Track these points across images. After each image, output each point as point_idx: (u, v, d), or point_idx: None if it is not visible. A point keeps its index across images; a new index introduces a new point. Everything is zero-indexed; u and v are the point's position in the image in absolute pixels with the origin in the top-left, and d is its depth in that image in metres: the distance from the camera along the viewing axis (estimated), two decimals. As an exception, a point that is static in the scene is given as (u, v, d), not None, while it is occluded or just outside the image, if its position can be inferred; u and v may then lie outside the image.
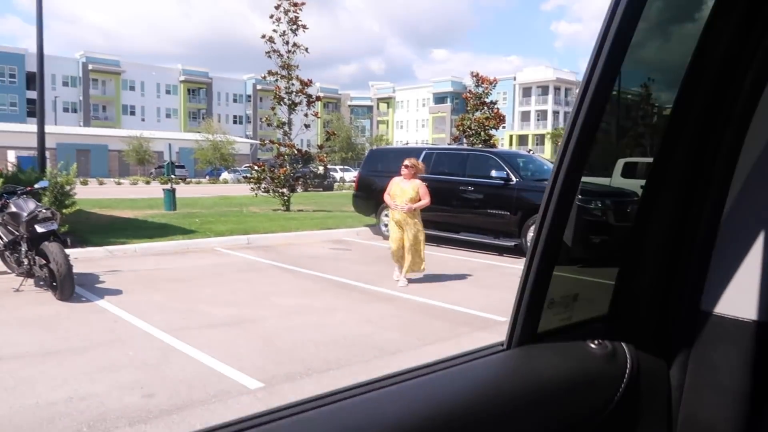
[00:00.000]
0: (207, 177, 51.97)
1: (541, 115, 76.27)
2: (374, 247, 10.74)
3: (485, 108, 22.70)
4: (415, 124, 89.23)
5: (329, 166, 35.15)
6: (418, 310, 6.07)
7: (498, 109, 22.95)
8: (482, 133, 21.94)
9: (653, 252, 1.00)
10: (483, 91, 22.68)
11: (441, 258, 9.62)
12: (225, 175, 50.20)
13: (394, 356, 4.59)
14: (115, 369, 4.14)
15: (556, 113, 75.59)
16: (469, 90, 23.86)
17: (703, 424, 0.94)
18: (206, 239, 10.48)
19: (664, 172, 0.97)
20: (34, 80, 58.34)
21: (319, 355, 4.55)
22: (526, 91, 77.47)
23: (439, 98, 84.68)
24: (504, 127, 25.33)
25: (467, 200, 10.29)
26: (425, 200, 7.11)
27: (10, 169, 10.71)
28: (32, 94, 61.42)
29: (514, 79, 77.63)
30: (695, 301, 0.95)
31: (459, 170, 10.64)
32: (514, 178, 9.71)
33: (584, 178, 0.90)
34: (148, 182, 41.69)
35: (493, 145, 22.84)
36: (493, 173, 9.82)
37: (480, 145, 20.79)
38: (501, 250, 10.21)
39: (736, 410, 0.90)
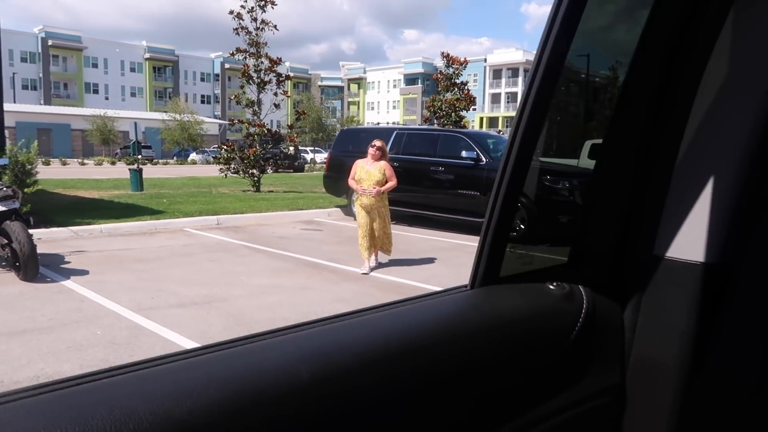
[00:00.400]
0: (175, 158, 51.00)
1: (512, 97, 76.74)
2: (346, 228, 10.74)
3: (456, 89, 22.77)
4: (386, 105, 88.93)
5: (300, 147, 34.83)
6: (390, 289, 6.12)
7: (468, 90, 23.04)
8: (453, 115, 22.03)
9: (609, 202, 1.07)
10: (454, 72, 22.73)
11: (411, 238, 9.69)
12: (193, 155, 49.36)
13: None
14: (83, 348, 4.09)
15: (525, 96, 76.11)
16: (440, 71, 23.87)
17: (653, 363, 1.00)
18: (175, 220, 10.33)
19: (619, 134, 1.05)
20: (-10, 56, 56.16)
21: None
22: (497, 73, 77.78)
23: (410, 79, 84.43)
24: (474, 109, 25.51)
25: (438, 180, 10.36)
26: (393, 181, 6.76)
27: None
28: (-11, 71, 59.15)
29: (485, 60, 77.82)
30: (649, 246, 1.01)
31: (430, 151, 10.68)
32: (484, 159, 9.79)
33: (550, 159, 0.96)
34: (113, 163, 40.73)
35: (464, 127, 22.96)
36: (464, 153, 9.88)
37: (451, 126, 20.87)
38: (470, 230, 10.32)
39: (684, 349, 0.95)
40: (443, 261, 7.79)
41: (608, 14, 1.08)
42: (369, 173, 6.70)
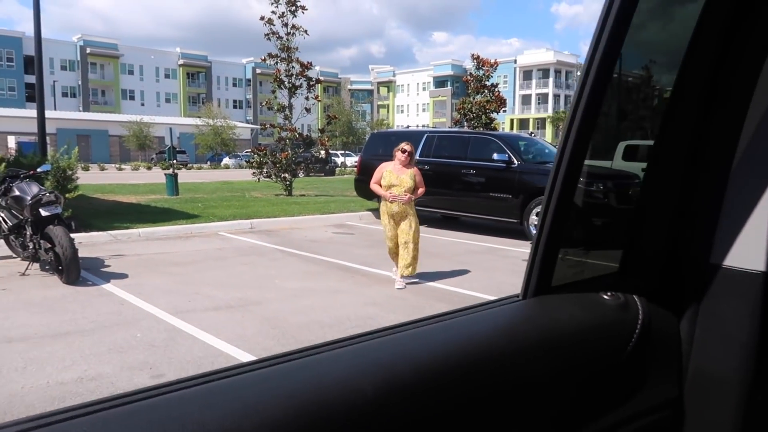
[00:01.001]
0: (208, 162, 51.88)
1: (542, 98, 75.90)
2: (377, 231, 10.76)
3: (486, 91, 22.63)
4: (416, 108, 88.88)
5: (330, 151, 35.07)
6: (423, 293, 6.11)
7: (499, 92, 22.87)
8: (483, 117, 21.89)
9: (661, 207, 1.04)
10: (484, 74, 22.59)
11: (442, 241, 9.66)
12: (226, 160, 50.11)
13: (398, 337, 4.63)
14: (124, 350, 4.19)
15: (557, 96, 75.23)
16: (470, 73, 23.76)
17: (712, 375, 0.97)
18: (209, 224, 10.51)
19: (670, 136, 1.02)
20: (32, 64, 58.06)
21: (325, 336, 4.59)
22: (527, 74, 77.02)
23: (440, 82, 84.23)
24: (505, 111, 25.31)
25: (469, 183, 10.31)
26: (423, 188, 6.41)
27: (11, 153, 10.69)
28: (31, 79, 61.08)
29: (515, 62, 77.15)
30: (705, 254, 0.98)
31: (461, 153, 10.63)
32: (515, 161, 9.71)
33: (589, 162, 0.94)
34: (149, 167, 41.64)
35: (494, 129, 22.80)
36: (495, 156, 9.81)
37: (481, 129, 20.74)
38: (502, 233, 10.25)
39: (744, 361, 0.93)
40: (475, 264, 7.74)
41: (658, 13, 1.05)
42: (401, 180, 6.23)
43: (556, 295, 0.97)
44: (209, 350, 4.23)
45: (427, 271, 7.13)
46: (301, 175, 18.23)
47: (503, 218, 9.89)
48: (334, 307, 5.51)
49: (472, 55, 22.97)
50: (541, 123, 73.71)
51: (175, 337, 4.51)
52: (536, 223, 8.90)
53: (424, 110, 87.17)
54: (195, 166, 47.67)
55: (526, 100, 77.40)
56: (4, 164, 8.31)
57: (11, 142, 41.85)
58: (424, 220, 11.80)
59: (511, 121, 74.75)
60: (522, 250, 8.83)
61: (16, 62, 64.13)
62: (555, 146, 13.22)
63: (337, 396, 0.66)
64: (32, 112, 34.58)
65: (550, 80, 74.62)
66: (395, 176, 6.26)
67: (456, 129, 18.82)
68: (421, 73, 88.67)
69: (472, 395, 0.76)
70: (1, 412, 3.18)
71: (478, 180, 10.17)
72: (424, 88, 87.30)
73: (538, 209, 9.23)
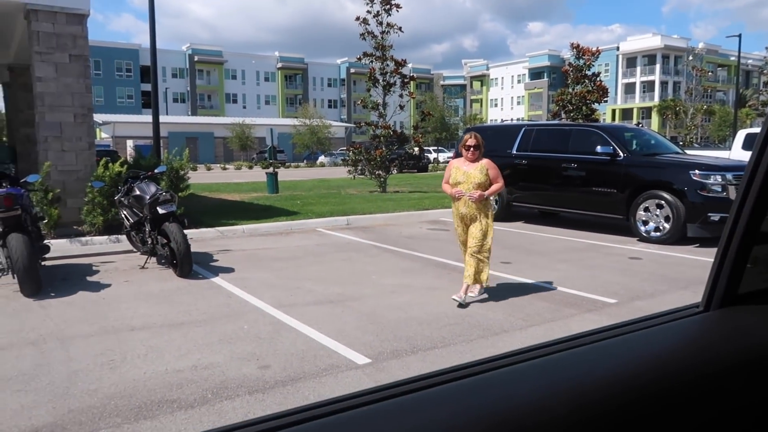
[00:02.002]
0: (305, 161, 53.63)
1: (648, 86, 71.64)
2: (472, 227, 10.63)
3: (586, 81, 21.68)
4: (510, 102, 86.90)
5: (424, 147, 35.10)
6: (521, 291, 5.95)
7: (601, 81, 21.84)
8: (584, 108, 20.99)
9: None
10: (584, 64, 21.66)
11: (541, 237, 9.37)
12: (322, 158, 51.54)
13: (498, 336, 4.53)
14: (233, 341, 4.40)
15: (664, 84, 70.70)
16: (569, 63, 22.86)
17: None
18: (308, 220, 10.83)
19: None
20: (147, 73, 62.60)
21: (423, 333, 4.59)
22: (631, 62, 72.97)
23: (535, 74, 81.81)
24: (606, 101, 24.11)
25: (570, 178, 9.91)
26: (499, 183, 5.57)
27: (130, 156, 11.57)
28: (146, 87, 65.97)
29: (617, 49, 73.31)
30: None
31: (561, 147, 10.24)
32: (621, 154, 9.20)
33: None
34: (250, 167, 43.70)
35: (596, 120, 21.81)
36: (598, 149, 9.35)
37: (581, 120, 19.90)
38: (605, 230, 9.77)
39: None
40: (577, 262, 7.43)
41: None
42: (467, 175, 5.47)
43: (747, 305, 0.85)
44: (311, 344, 4.35)
45: (525, 268, 6.94)
46: (394, 171, 18.37)
47: (607, 214, 9.42)
48: (432, 304, 5.48)
49: (572, 44, 22.09)
50: (646, 113, 69.62)
51: (279, 330, 4.67)
52: (644, 219, 8.36)
53: (519, 103, 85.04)
54: (292, 164, 49.41)
55: (629, 89, 73.39)
56: (126, 166, 9.00)
57: (129, 145, 45.40)
58: (522, 216, 11.55)
59: (613, 111, 71.18)
60: (628, 247, 8.38)
61: (133, 72, 69.46)
62: (664, 137, 12.40)
63: (528, 415, 0.61)
64: (147, 118, 37.27)
65: (657, 67, 70.24)
66: (462, 172, 5.53)
67: (555, 122, 18.18)
68: (516, 65, 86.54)
69: (669, 421, 0.69)
70: (128, 396, 3.44)
71: (580, 174, 9.75)
72: (519, 81, 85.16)
73: (646, 204, 8.72)
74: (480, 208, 5.46)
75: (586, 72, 21.65)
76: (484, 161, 5.58)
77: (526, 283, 6.28)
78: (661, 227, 8.60)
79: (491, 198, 5.72)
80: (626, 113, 71.70)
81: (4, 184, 6.42)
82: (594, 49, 21.79)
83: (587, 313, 5.13)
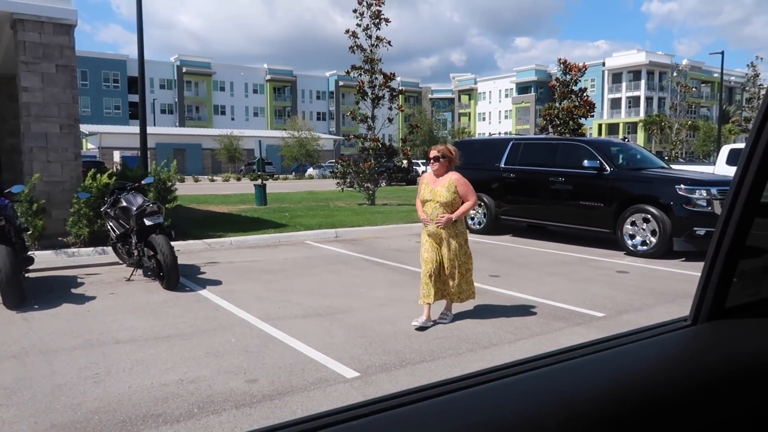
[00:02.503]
0: (293, 173, 53.55)
1: (633, 101, 72.61)
2: (461, 240, 10.65)
3: (573, 96, 21.93)
4: (498, 116, 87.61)
5: (412, 160, 35.17)
6: (510, 304, 5.95)
7: (587, 96, 22.10)
8: (570, 123, 21.21)
9: None
10: (571, 79, 21.92)
11: (530, 251, 9.40)
12: (310, 171, 51.50)
13: (487, 350, 4.52)
14: (219, 354, 4.35)
15: (649, 99, 71.71)
16: (556, 78, 23.14)
17: None
18: (296, 233, 10.79)
19: None
20: (135, 84, 62.44)
21: (412, 346, 4.57)
22: (616, 77, 73.96)
23: (523, 88, 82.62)
24: (593, 116, 24.40)
25: (557, 192, 9.97)
26: (470, 201, 4.98)
27: (117, 167, 11.51)
28: (134, 98, 65.71)
29: (603, 64, 74.31)
30: None
31: (548, 161, 10.32)
32: (608, 168, 9.29)
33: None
34: (238, 179, 43.52)
35: (582, 135, 22.05)
36: (585, 163, 9.44)
37: (568, 135, 20.11)
38: (593, 243, 9.83)
39: None
40: (565, 275, 7.46)
41: None
42: (434, 192, 4.97)
43: (735, 319, 0.86)
44: (299, 357, 4.31)
45: (514, 281, 6.95)
46: (383, 184, 18.39)
47: (595, 228, 9.49)
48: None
49: (559, 59, 22.37)
50: (632, 127, 70.48)
51: (267, 343, 4.63)
52: (631, 233, 8.40)
53: (506, 117, 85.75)
54: (281, 176, 49.29)
55: (615, 104, 74.32)
56: (114, 178, 8.92)
57: (116, 156, 45.11)
58: (510, 229, 11.59)
59: (600, 126, 71.99)
60: (615, 260, 8.43)
61: (121, 83, 69.19)
62: (650, 151, 12.55)
63: (517, 428, 0.61)
64: (135, 129, 37.01)
65: (642, 82, 71.26)
66: (429, 189, 5.03)
67: (543, 136, 18.33)
68: (503, 79, 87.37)
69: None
70: (112, 410, 3.38)
71: (567, 188, 9.82)
72: (506, 95, 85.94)
73: (633, 218, 8.79)
74: (449, 230, 4.97)
75: (573, 87, 21.90)
76: (453, 176, 4.96)
77: (515, 296, 6.29)
78: (647, 241, 8.67)
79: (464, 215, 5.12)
80: (612, 128, 72.52)
81: (132, 192, 6.40)
82: (581, 64, 22.08)
83: (576, 327, 5.14)
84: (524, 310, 5.69)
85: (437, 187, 4.98)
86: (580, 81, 22.14)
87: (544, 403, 0.65)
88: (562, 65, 22.19)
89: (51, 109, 8.70)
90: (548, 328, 5.09)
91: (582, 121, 22.09)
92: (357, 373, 3.98)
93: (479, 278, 7.11)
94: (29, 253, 6.81)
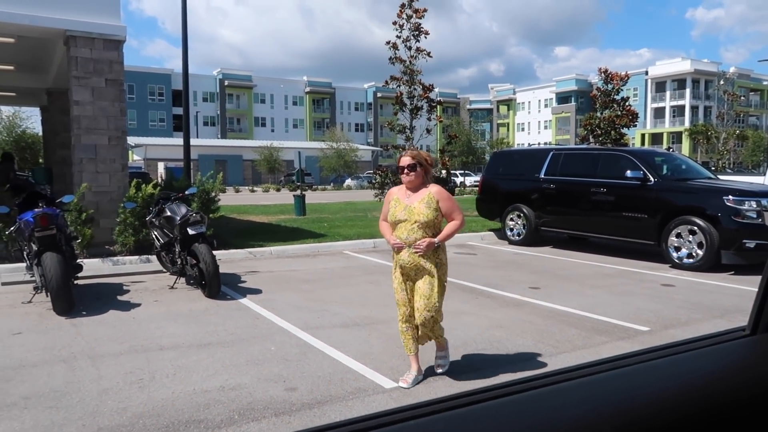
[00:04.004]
0: (331, 184, 54.02)
1: (678, 111, 70.74)
2: (500, 252, 10.54)
3: (615, 105, 21.51)
4: (537, 126, 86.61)
5: (450, 171, 35.05)
6: (551, 317, 5.85)
7: (630, 106, 21.65)
8: (612, 132, 20.79)
9: None
10: (613, 88, 21.51)
11: (571, 263, 9.23)
12: (348, 181, 51.87)
13: (527, 362, 4.45)
14: (259, 362, 4.40)
15: (694, 108, 69.75)
16: (597, 87, 22.73)
17: None
18: (335, 243, 10.86)
19: None
20: (179, 97, 64.21)
21: (450, 357, 4.52)
22: (660, 86, 72.24)
23: (563, 98, 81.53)
24: (635, 126, 23.86)
25: (599, 202, 9.77)
26: (456, 220, 3.99)
27: (161, 178, 11.86)
28: (178, 110, 67.64)
29: (646, 73, 72.72)
30: None
31: (589, 171, 10.14)
32: (651, 178, 9.06)
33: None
34: (278, 189, 44.14)
35: (625, 145, 21.60)
36: (628, 173, 9.23)
37: (610, 145, 19.72)
38: (637, 256, 9.59)
39: None
40: (608, 288, 7.29)
41: None
42: (410, 210, 3.88)
43: None
44: (338, 366, 4.32)
45: (554, 293, 6.83)
46: (421, 195, 18.35)
47: (638, 239, 9.26)
48: (459, 329, 5.41)
49: (600, 68, 21.97)
50: (676, 137, 68.65)
51: (306, 352, 4.66)
52: (676, 245, 8.17)
53: (546, 127, 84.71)
54: (319, 187, 49.78)
55: (659, 113, 72.55)
56: (159, 188, 9.17)
57: (160, 167, 46.38)
58: (550, 240, 11.41)
59: (643, 136, 70.37)
60: (659, 273, 8.19)
61: (166, 96, 71.26)
62: (696, 161, 12.19)
63: None
64: (179, 141, 37.98)
65: (687, 91, 69.39)
66: (402, 206, 3.93)
67: (584, 146, 18.05)
68: (543, 89, 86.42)
69: None
70: (156, 415, 3.45)
71: (609, 199, 9.61)
72: (545, 105, 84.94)
73: (678, 230, 8.54)
74: (430, 258, 3.91)
75: (615, 96, 21.49)
76: (433, 189, 3.94)
77: (555, 308, 6.17)
78: (694, 254, 8.40)
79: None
80: (656, 138, 70.80)
81: (40, 204, 6.59)
82: (623, 73, 21.66)
83: (619, 341, 5.01)
84: (565, 323, 5.58)
85: (413, 203, 3.89)
86: (622, 90, 21.72)
87: (600, 409, 0.64)
88: (603, 74, 21.80)
89: (100, 122, 9.03)
90: (590, 342, 4.97)
91: (624, 130, 21.63)
92: (395, 384, 3.97)
93: (519, 290, 7.05)
94: (78, 261, 7.04)
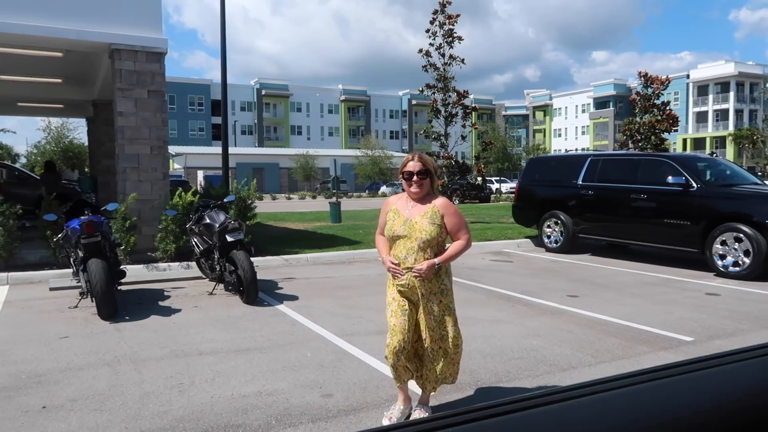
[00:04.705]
0: (366, 191, 54.24)
1: (721, 115, 68.70)
2: (537, 259, 10.40)
3: (655, 110, 21.05)
4: (574, 132, 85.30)
5: (486, 177, 34.83)
6: (589, 326, 5.73)
7: (671, 110, 21.16)
8: (653, 137, 20.34)
9: None
10: (653, 92, 21.06)
11: (610, 271, 9.04)
12: (383, 188, 51.99)
13: (566, 372, 4.37)
14: (296, 369, 4.44)
15: (739, 112, 67.64)
16: (636, 92, 22.28)
17: None
18: (370, 249, 10.89)
19: None
20: (218, 107, 65.60)
21: (487, 366, 4.49)
22: (702, 90, 70.31)
23: (600, 103, 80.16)
24: (676, 130, 23.27)
25: (640, 209, 9.55)
26: (462, 239, 3.42)
27: (201, 186, 12.13)
28: (216, 120, 69.06)
29: (687, 77, 70.89)
30: None
31: (629, 177, 9.92)
32: (694, 184, 8.82)
33: None
34: (313, 197, 44.59)
35: (666, 150, 21.11)
36: (670, 179, 9.01)
37: (651, 150, 19.29)
38: (679, 264, 9.33)
39: None
40: (649, 297, 7.11)
41: None
42: (410, 225, 3.35)
43: None
44: (373, 373, 4.33)
45: (594, 302, 6.69)
46: (456, 202, 18.28)
47: (680, 247, 9.01)
48: (495, 337, 5.36)
49: (639, 72, 21.56)
50: (720, 142, 66.66)
51: (341, 359, 4.68)
52: (721, 252, 7.93)
53: (583, 133, 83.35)
54: (355, 194, 50.05)
55: (701, 117, 70.59)
56: (198, 196, 9.38)
57: (200, 176, 47.35)
58: (589, 247, 11.21)
59: (684, 141, 68.59)
60: (704, 282, 7.95)
61: (205, 106, 72.89)
62: (741, 167, 11.81)
63: None
64: (217, 149, 38.75)
65: (731, 94, 67.36)
66: (402, 219, 3.39)
67: (623, 151, 17.69)
68: (580, 95, 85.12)
69: None
70: (195, 419, 3.52)
71: (650, 205, 9.39)
72: (583, 111, 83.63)
73: (723, 237, 8.28)
74: (432, 284, 3.38)
75: (655, 101, 21.03)
76: (438, 202, 3.40)
77: (594, 317, 6.05)
78: (740, 261, 8.13)
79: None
80: (698, 142, 68.89)
81: (86, 212, 6.82)
82: (663, 77, 21.19)
83: (661, 351, 4.88)
84: (604, 332, 5.47)
85: (415, 216, 3.36)
86: (662, 94, 21.24)
87: (643, 420, 0.63)
88: (642, 78, 21.38)
89: (143, 132, 9.29)
90: (631, 352, 4.86)
91: (665, 135, 21.14)
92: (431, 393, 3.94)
93: (557, 298, 6.93)
94: (122, 267, 7.25)
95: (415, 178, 3.36)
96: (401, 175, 3.43)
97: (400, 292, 3.46)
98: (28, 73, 12.39)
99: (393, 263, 3.41)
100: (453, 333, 3.45)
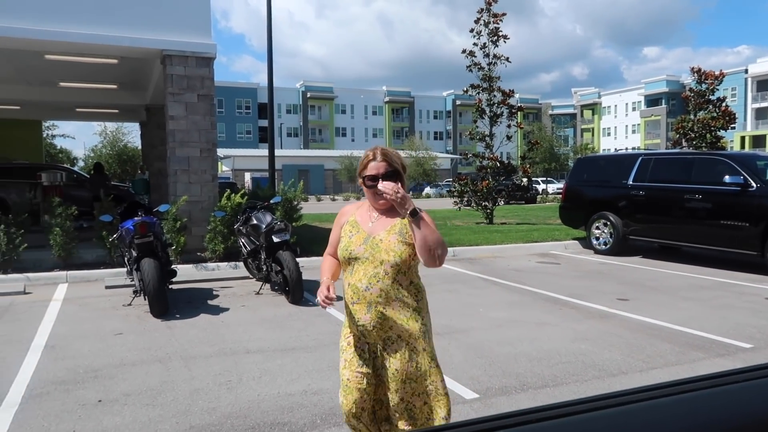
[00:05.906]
0: (410, 192, 54.24)
1: (783, 111, 65.58)
2: (585, 261, 10.16)
3: (710, 107, 20.29)
4: (624, 130, 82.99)
5: (532, 178, 34.32)
6: (640, 330, 5.57)
7: (727, 106, 20.35)
8: (708, 135, 19.61)
9: None
10: (707, 88, 20.31)
11: (662, 274, 8.75)
12: (427, 189, 51.90)
13: (615, 378, 4.26)
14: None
15: (802, 108, 64.42)
16: (690, 88, 21.54)
17: None
18: (414, 250, 10.86)
19: None
20: (264, 110, 66.86)
21: (533, 370, 4.41)
22: (762, 85, 67.26)
23: (652, 100, 77.72)
24: (734, 128, 22.37)
25: (694, 210, 9.21)
26: (440, 253, 2.42)
27: (248, 187, 12.38)
28: (263, 123, 70.37)
29: (746, 71, 67.95)
30: None
31: (683, 177, 9.58)
32: (753, 184, 8.45)
33: None
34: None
35: (722, 148, 20.32)
36: (727, 179, 8.65)
37: (706, 149, 18.60)
38: (736, 267, 8.96)
39: None
40: (703, 301, 6.85)
41: None
42: (373, 243, 2.44)
43: None
44: (418, 375, 4.31)
45: (645, 306, 6.49)
46: (501, 203, 18.05)
47: (738, 249, 8.64)
48: (541, 340, 5.27)
49: (692, 68, 20.83)
50: (781, 139, 63.61)
51: (386, 360, 4.68)
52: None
53: (633, 132, 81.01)
54: (399, 195, 50.01)
55: (761, 114, 67.54)
56: (246, 197, 9.58)
57: (247, 177, 48.35)
58: (639, 249, 10.89)
59: (743, 138, 65.78)
60: (763, 286, 7.61)
61: (252, 109, 74.39)
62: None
63: None
64: (264, 152, 39.44)
65: (793, 89, 64.21)
66: (362, 236, 2.49)
67: (676, 150, 17.11)
68: (630, 92, 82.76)
69: None
70: (243, 416, 3.59)
71: (705, 206, 9.05)
72: (633, 109, 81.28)
73: (785, 239, 7.89)
74: (408, 322, 2.48)
75: (710, 97, 20.27)
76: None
77: (645, 321, 5.87)
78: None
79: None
80: (758, 140, 65.92)
81: (139, 213, 7.06)
82: (717, 72, 20.40)
83: (717, 358, 4.69)
84: (656, 337, 5.30)
85: (379, 232, 2.47)
86: (717, 90, 20.46)
87: (701, 427, 0.60)
88: (695, 74, 20.65)
89: (193, 135, 9.55)
90: (685, 358, 4.69)
91: (721, 133, 20.34)
92: (476, 395, 3.91)
93: (606, 301, 6.76)
94: (173, 266, 7.46)
95: (379, 181, 2.39)
96: (361, 180, 2.48)
97: (356, 335, 2.51)
98: (86, 79, 12.93)
99: (327, 295, 2.39)
100: (431, 373, 2.48)
